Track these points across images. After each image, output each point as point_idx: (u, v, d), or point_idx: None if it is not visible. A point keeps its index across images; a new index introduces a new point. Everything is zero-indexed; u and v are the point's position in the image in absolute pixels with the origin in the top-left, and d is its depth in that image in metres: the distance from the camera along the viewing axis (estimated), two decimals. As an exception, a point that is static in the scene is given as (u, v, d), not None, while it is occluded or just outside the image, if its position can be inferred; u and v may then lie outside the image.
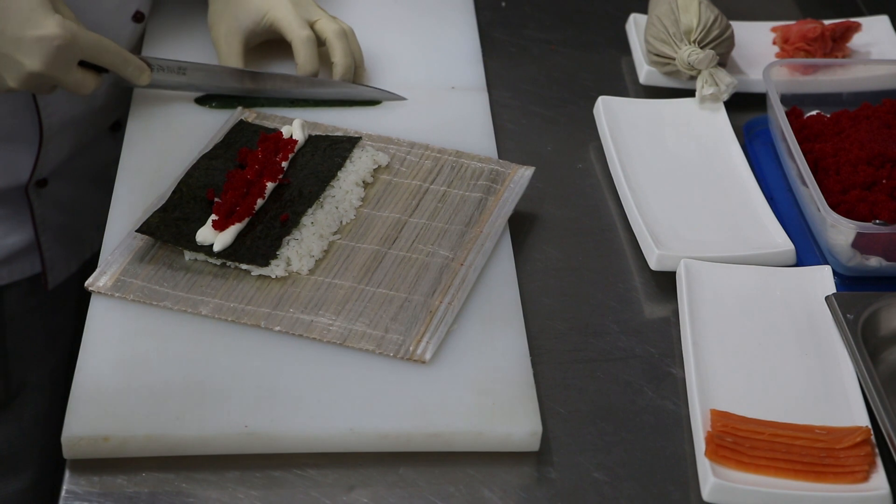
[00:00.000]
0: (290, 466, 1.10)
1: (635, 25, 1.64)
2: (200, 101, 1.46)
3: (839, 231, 1.29)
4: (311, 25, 1.48)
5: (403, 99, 1.49)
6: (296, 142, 1.37)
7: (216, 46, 1.50)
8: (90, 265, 1.64)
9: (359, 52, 1.50)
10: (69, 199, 1.60)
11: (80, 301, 1.57)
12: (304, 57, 1.46)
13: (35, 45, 1.29)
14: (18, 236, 1.56)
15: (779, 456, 1.11)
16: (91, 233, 1.63)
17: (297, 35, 1.46)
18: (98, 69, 1.37)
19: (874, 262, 1.30)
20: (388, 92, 1.50)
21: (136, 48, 1.56)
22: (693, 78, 1.53)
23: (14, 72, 1.31)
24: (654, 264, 1.31)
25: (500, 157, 1.43)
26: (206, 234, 1.24)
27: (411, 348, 1.18)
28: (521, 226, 1.36)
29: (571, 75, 1.62)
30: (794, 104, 1.49)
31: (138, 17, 1.53)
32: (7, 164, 1.51)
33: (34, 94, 1.36)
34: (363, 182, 1.36)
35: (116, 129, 1.63)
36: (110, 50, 1.36)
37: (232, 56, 1.48)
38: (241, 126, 1.41)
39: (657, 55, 1.55)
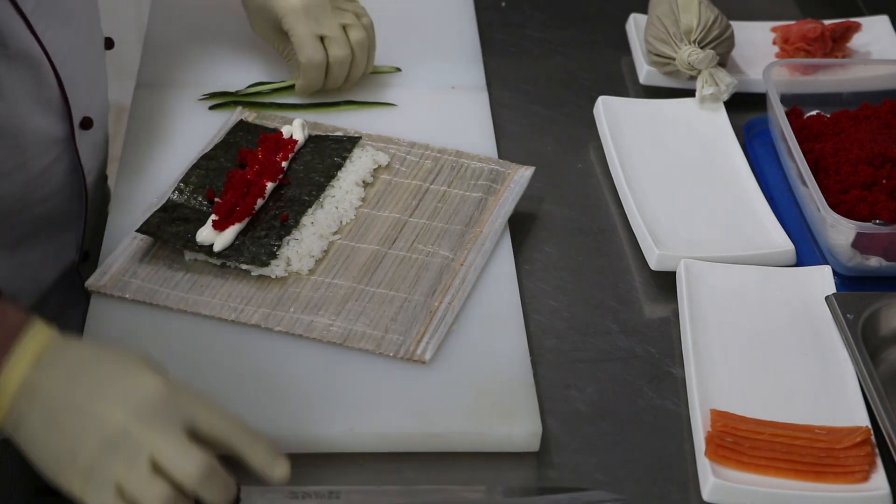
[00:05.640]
0: (290, 466, 1.10)
1: (635, 25, 1.63)
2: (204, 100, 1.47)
3: (839, 231, 1.29)
4: (321, 39, 1.44)
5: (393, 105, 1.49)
6: (296, 142, 1.37)
7: (266, 41, 1.51)
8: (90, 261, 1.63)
9: (367, 62, 1.48)
10: None
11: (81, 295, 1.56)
12: (306, 80, 1.45)
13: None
14: None
15: (779, 456, 1.11)
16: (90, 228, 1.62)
17: (308, 57, 1.43)
18: None
19: (874, 262, 1.30)
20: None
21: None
22: (693, 78, 1.53)
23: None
24: (654, 264, 1.31)
25: (500, 157, 1.43)
26: (206, 234, 1.24)
27: (411, 348, 1.18)
28: (521, 226, 1.36)
29: (571, 75, 1.62)
30: (794, 104, 1.48)
31: (108, 44, 1.44)
32: (57, 248, 1.40)
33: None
34: (363, 182, 1.35)
35: None
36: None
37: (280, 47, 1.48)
38: (241, 126, 1.41)
39: (657, 55, 1.55)
